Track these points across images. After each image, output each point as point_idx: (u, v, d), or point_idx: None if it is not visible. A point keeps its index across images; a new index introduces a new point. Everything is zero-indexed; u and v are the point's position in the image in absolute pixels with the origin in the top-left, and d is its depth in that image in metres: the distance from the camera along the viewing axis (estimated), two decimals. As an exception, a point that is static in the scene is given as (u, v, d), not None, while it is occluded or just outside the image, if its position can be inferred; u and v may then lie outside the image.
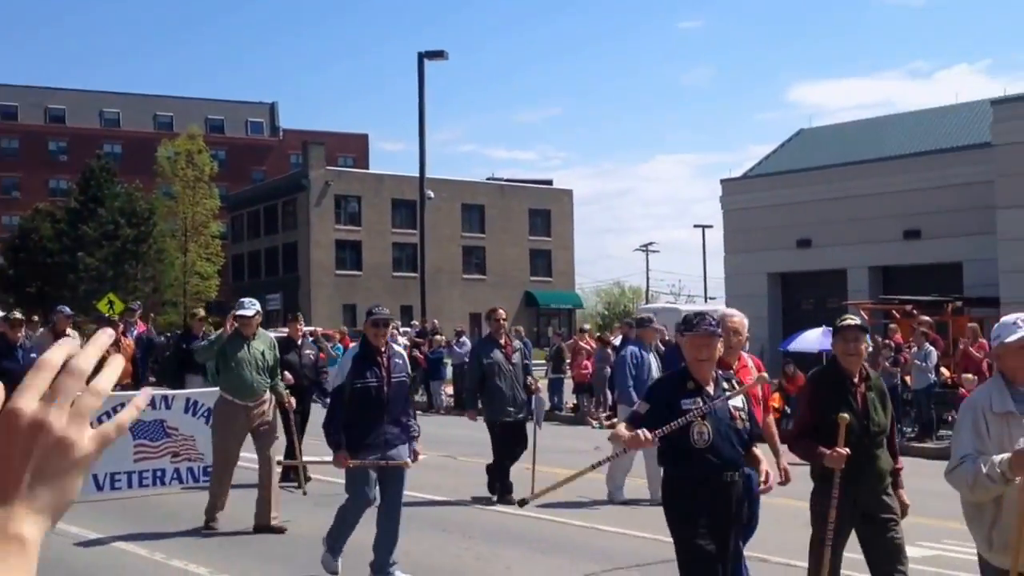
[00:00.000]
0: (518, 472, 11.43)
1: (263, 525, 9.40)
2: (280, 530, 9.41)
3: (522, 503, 7.30)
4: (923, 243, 29.97)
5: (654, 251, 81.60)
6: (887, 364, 17.25)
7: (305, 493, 11.36)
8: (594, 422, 20.43)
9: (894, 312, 24.25)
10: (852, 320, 6.17)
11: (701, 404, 5.38)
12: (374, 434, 7.68)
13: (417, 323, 29.80)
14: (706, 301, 58.29)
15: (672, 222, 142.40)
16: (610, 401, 19.62)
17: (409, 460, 7.89)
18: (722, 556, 5.43)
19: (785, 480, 6.82)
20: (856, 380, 5.91)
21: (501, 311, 12.08)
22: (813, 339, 22.56)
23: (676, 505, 5.48)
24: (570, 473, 5.98)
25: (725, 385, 5.57)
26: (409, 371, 8.41)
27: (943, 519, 8.86)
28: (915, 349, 17.55)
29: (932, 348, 17.48)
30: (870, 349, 9.35)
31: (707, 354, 5.49)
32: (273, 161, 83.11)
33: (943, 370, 18.23)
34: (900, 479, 6.13)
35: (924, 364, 17.13)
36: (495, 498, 11.31)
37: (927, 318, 19.41)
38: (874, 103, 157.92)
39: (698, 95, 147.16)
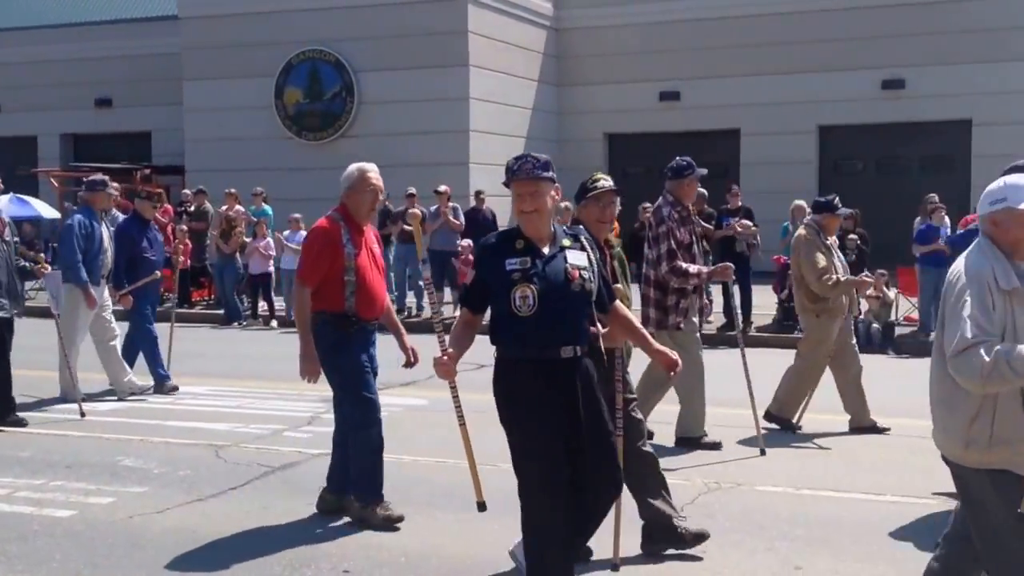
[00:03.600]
0: None
1: None
2: None
3: None
4: (115, 111, 30.17)
5: None
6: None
7: None
8: None
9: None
10: (607, 181, 5.61)
11: (527, 265, 4.54)
12: None
13: None
14: None
15: None
16: None
17: None
18: (565, 453, 4.56)
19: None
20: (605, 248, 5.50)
21: None
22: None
23: (500, 391, 4.66)
24: None
25: (567, 242, 4.67)
26: None
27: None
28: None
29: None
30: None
31: (532, 204, 4.60)
32: None
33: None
34: None
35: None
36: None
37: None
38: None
39: None
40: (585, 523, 4.85)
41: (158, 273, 11.14)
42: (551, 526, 4.58)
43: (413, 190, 17.74)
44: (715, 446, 8.27)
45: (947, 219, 14.96)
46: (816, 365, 9.01)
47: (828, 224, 9.04)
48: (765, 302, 15.85)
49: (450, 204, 17.61)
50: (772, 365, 9.71)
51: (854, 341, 9.34)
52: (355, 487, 6.33)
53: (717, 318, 16.02)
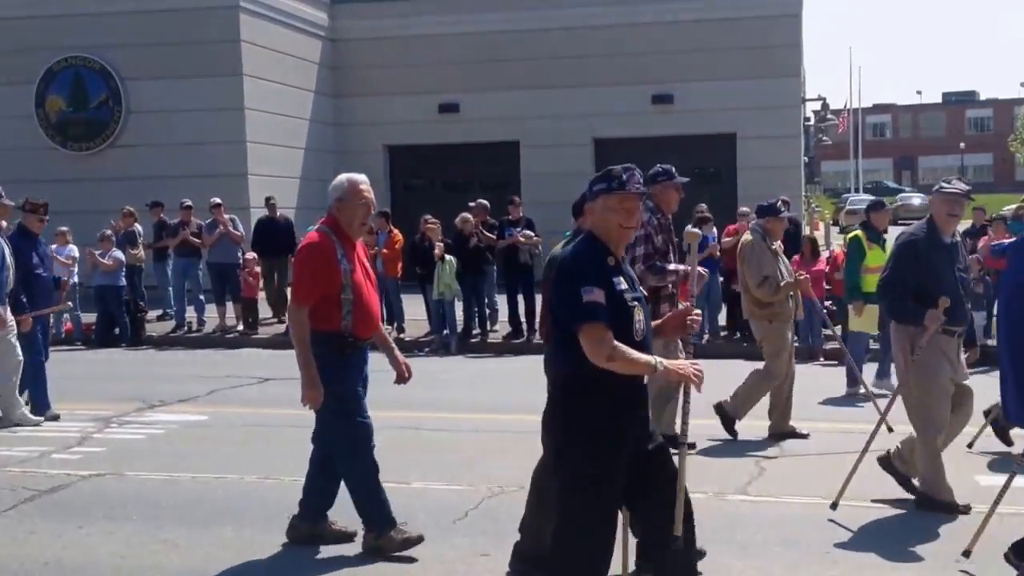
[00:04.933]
0: None
1: None
2: None
3: None
4: None
5: None
6: None
7: None
8: None
9: None
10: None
11: (626, 285, 4.26)
12: None
13: None
14: None
15: None
16: None
17: None
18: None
19: None
20: None
21: None
22: None
23: (594, 417, 4.18)
24: None
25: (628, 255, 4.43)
26: None
27: None
28: None
29: None
30: None
31: (635, 220, 4.32)
32: None
33: None
34: None
35: None
36: None
37: None
38: None
39: None
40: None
41: (69, 303, 10.33)
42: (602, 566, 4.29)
43: (188, 202, 17.17)
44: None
45: (715, 229, 15.58)
46: (779, 372, 8.99)
47: (773, 228, 9.05)
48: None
49: (227, 216, 17.11)
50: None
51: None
52: (365, 518, 5.90)
53: (503, 326, 16.22)
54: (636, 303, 4.26)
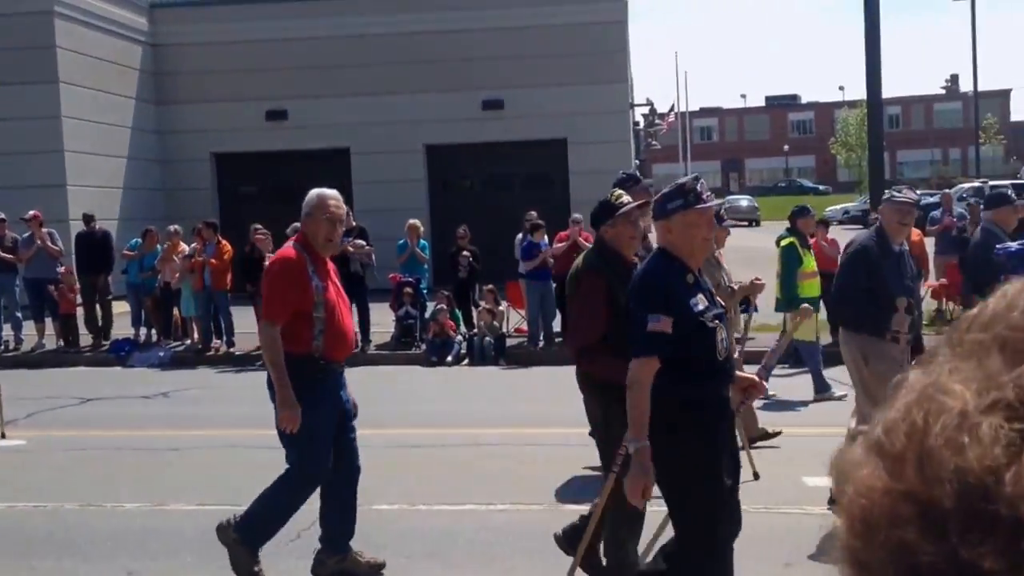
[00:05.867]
0: None
1: None
2: None
3: None
4: None
5: None
6: None
7: None
8: None
9: None
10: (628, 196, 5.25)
11: (705, 303, 4.24)
12: None
13: None
14: None
15: None
16: None
17: None
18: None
19: None
20: None
21: None
22: None
23: (695, 436, 4.16)
24: None
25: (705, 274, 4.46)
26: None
27: None
28: None
29: None
30: None
31: (711, 234, 4.38)
32: None
33: None
34: None
35: None
36: None
37: None
38: None
39: None
40: None
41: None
42: None
43: (1, 215, 16.41)
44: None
45: (546, 236, 15.66)
46: None
47: (716, 236, 8.91)
48: (383, 319, 15.94)
49: (44, 229, 16.38)
50: (391, 380, 9.72)
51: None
52: (249, 533, 5.50)
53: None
54: (717, 322, 4.27)
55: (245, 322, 16.13)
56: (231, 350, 15.77)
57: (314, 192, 5.74)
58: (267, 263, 5.82)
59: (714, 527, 4.20)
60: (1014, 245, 11.20)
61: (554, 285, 15.21)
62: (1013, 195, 9.01)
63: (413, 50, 25.36)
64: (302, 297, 5.43)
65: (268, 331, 5.43)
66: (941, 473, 0.62)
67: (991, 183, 34.40)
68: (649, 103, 39.90)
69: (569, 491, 7.43)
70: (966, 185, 40.49)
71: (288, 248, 5.67)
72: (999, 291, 0.71)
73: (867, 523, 0.65)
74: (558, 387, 9.12)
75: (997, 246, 7.76)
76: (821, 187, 77.23)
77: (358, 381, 8.13)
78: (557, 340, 15.55)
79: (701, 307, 4.21)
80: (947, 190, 27.80)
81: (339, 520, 5.72)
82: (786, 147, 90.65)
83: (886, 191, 7.16)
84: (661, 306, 4.12)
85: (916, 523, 0.62)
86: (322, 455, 5.50)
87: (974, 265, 8.56)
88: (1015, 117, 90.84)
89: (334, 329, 5.51)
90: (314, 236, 5.59)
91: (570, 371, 5.49)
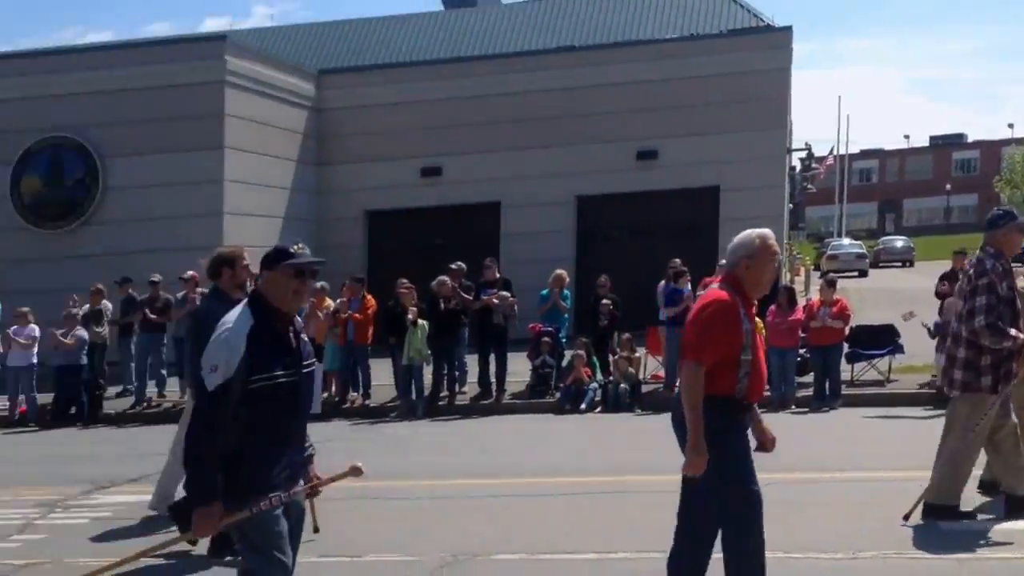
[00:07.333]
0: None
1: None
2: None
3: None
4: None
5: None
6: None
7: None
8: None
9: None
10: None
11: None
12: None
13: None
14: None
15: None
16: None
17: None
18: None
19: None
20: None
21: None
22: None
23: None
24: None
25: None
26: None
27: None
28: None
29: None
30: None
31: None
32: None
33: None
34: None
35: None
36: None
37: None
38: None
39: None
40: None
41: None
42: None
43: (156, 277, 16.97)
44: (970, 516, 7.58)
45: (690, 284, 15.31)
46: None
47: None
48: (519, 368, 15.81)
49: (199, 290, 16.83)
50: (524, 431, 9.49)
51: None
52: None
53: (471, 387, 15.93)
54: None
55: (382, 374, 16.22)
56: (367, 402, 15.90)
57: (754, 233, 5.51)
58: (696, 303, 5.58)
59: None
60: None
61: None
62: None
63: (567, 105, 25.33)
64: (732, 339, 5.32)
65: (694, 370, 5.30)
66: None
67: None
68: (807, 147, 39.09)
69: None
70: None
71: (720, 291, 5.45)
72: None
73: None
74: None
75: None
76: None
77: (490, 430, 7.97)
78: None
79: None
80: None
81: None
82: (948, 186, 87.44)
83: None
84: None
85: None
86: (747, 477, 5.38)
87: None
88: None
89: (757, 372, 5.43)
90: (756, 280, 5.47)
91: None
